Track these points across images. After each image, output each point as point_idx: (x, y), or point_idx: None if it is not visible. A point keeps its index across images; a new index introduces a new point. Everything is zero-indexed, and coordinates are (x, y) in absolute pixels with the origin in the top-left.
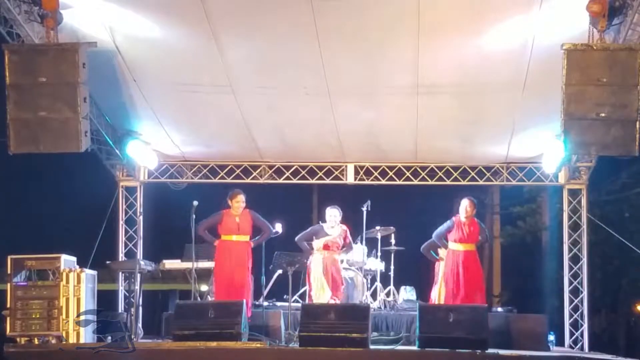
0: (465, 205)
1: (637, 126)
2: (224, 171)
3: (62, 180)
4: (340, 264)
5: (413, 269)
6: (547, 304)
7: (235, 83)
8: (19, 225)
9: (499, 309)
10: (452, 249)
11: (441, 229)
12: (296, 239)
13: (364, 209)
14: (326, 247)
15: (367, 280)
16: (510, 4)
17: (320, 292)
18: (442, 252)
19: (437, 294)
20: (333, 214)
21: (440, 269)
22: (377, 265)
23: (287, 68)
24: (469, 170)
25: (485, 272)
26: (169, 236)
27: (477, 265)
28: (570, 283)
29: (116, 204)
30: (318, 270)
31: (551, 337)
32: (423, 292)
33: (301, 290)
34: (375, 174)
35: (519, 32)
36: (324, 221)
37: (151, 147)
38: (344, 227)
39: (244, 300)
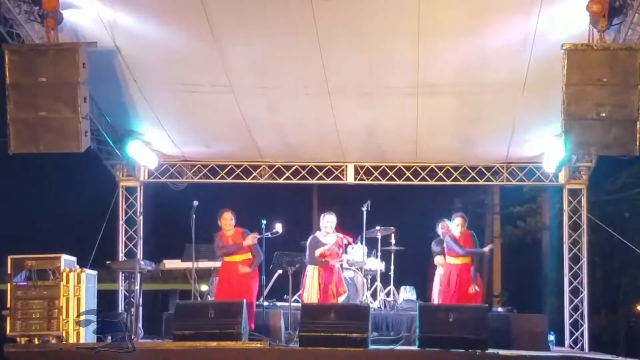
0: (458, 222)
1: (638, 126)
2: (224, 171)
3: (62, 180)
4: (341, 274)
5: (413, 269)
6: (547, 304)
7: (235, 83)
8: (19, 225)
9: (499, 309)
10: (449, 263)
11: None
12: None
13: (364, 209)
14: (323, 255)
15: (367, 280)
16: (510, 4)
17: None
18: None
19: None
20: (330, 220)
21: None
22: (377, 265)
23: (287, 68)
24: (469, 170)
25: (486, 272)
26: (169, 236)
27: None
28: (570, 283)
29: (116, 204)
30: (314, 285)
31: (551, 337)
32: (423, 292)
33: (301, 290)
34: (375, 174)
35: (519, 32)
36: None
37: (151, 147)
38: (339, 234)
39: (244, 300)
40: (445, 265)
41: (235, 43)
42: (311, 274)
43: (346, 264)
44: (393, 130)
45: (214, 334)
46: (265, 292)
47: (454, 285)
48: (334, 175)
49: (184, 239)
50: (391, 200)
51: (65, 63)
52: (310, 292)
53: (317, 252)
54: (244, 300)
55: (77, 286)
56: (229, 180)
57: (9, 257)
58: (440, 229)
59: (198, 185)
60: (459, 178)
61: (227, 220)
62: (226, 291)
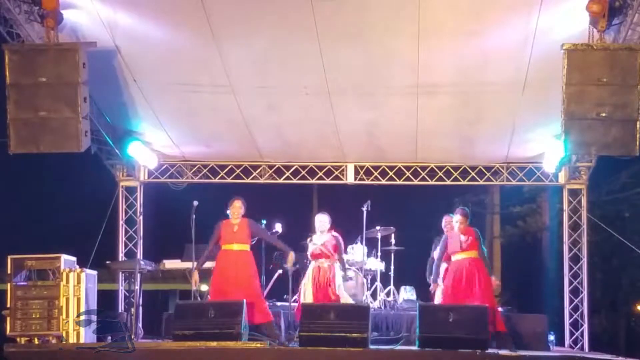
0: (457, 219)
1: (638, 126)
2: (224, 171)
3: (62, 181)
4: (337, 279)
5: (413, 269)
6: (547, 304)
7: (235, 83)
8: (19, 225)
9: (499, 309)
10: (455, 260)
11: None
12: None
13: (364, 209)
14: (313, 255)
15: (367, 280)
16: (510, 4)
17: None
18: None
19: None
20: (320, 220)
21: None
22: (377, 265)
23: (287, 68)
24: (469, 170)
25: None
26: (169, 236)
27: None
28: (570, 283)
29: (116, 204)
30: (308, 280)
31: (551, 337)
32: (423, 292)
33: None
34: (375, 174)
35: (519, 32)
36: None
37: (151, 147)
38: (334, 233)
39: (244, 300)
40: (451, 262)
41: (235, 43)
42: (307, 273)
43: (346, 264)
44: (393, 130)
45: (214, 334)
46: (265, 292)
47: (464, 282)
48: (334, 175)
49: (184, 239)
50: (391, 200)
51: (65, 63)
52: (304, 291)
53: (309, 250)
54: (244, 300)
55: (77, 286)
56: (229, 180)
57: (9, 257)
58: (444, 225)
59: (198, 185)
60: (459, 178)
61: (237, 208)
62: (223, 282)
